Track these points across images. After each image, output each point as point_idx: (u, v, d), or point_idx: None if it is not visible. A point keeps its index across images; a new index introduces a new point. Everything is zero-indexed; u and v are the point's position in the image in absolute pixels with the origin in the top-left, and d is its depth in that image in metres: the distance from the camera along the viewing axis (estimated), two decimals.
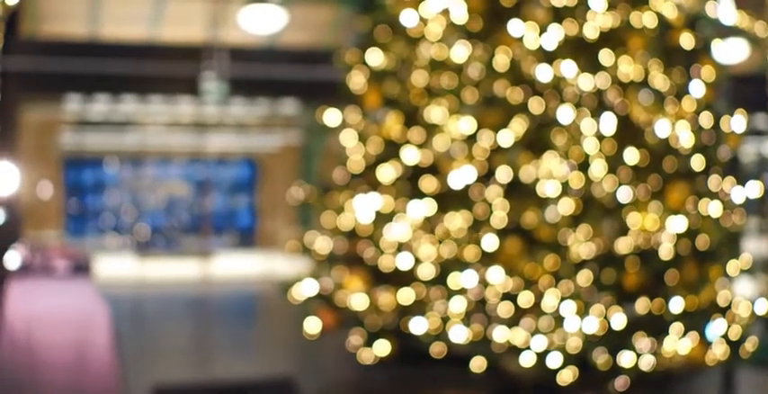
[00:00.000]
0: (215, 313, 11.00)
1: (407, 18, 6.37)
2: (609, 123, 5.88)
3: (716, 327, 6.03)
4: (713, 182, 6.23)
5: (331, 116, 6.61)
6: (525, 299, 5.71)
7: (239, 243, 20.04)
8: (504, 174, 5.86)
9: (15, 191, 10.29)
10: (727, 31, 11.99)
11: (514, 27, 5.91)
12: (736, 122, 6.47)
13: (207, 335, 9.21)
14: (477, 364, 5.74)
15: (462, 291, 5.83)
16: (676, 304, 5.87)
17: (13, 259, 5.90)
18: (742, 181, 6.38)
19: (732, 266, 6.26)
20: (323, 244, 6.47)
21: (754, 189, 6.37)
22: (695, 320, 5.94)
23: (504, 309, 5.73)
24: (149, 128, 18.24)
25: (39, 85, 14.26)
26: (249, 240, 20.00)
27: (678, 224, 5.92)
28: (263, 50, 14.43)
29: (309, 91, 14.37)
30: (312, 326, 6.39)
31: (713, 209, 6.14)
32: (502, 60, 5.92)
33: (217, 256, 16.78)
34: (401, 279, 6.11)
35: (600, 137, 5.87)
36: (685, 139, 6.10)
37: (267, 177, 19.64)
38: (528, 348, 5.57)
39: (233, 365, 7.27)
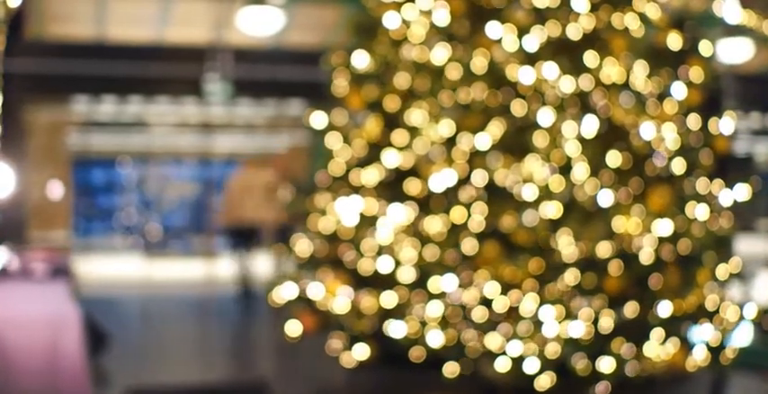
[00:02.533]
0: (215, 314, 11.00)
1: (390, 20, 6.33)
2: (591, 126, 5.83)
3: (701, 332, 5.96)
4: (701, 184, 6.16)
5: (317, 118, 6.58)
6: (503, 303, 5.66)
7: None
8: (482, 177, 5.82)
9: (12, 193, 10.31)
10: (733, 30, 11.91)
11: (493, 29, 5.87)
12: (726, 124, 6.39)
13: (203, 336, 9.22)
14: (451, 369, 5.70)
15: (442, 295, 5.79)
16: (661, 309, 5.81)
17: None
18: (732, 183, 6.29)
19: (721, 270, 6.18)
20: (303, 246, 6.45)
21: (743, 192, 6.29)
22: (678, 325, 5.88)
23: (480, 314, 5.69)
24: (156, 128, 18.30)
25: (46, 86, 14.35)
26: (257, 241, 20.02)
27: (661, 227, 5.85)
28: (270, 51, 14.45)
29: (316, 91, 14.38)
30: (293, 329, 6.37)
31: (700, 212, 6.07)
32: (481, 63, 5.87)
33: (224, 256, 16.77)
34: (382, 282, 6.08)
35: (582, 139, 5.81)
36: (670, 142, 6.03)
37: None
38: (504, 353, 5.52)
39: (222, 367, 7.26)
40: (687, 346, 5.90)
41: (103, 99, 15.65)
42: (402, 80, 6.30)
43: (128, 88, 14.91)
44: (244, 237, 11.45)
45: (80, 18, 13.91)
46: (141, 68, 14.07)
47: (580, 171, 5.77)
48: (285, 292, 6.36)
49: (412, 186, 6.14)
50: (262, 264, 11.35)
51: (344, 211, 6.28)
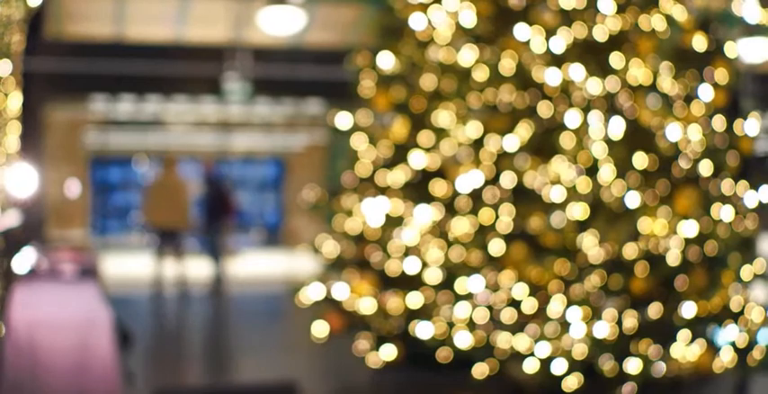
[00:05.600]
0: (233, 313, 11.03)
1: (416, 21, 6.35)
2: (618, 127, 5.84)
3: (726, 333, 5.97)
4: (726, 186, 6.16)
5: (342, 118, 6.59)
6: (531, 304, 5.68)
7: (266, 241, 20.16)
8: (509, 178, 5.83)
9: (34, 193, 10.35)
10: (752, 30, 11.86)
11: (521, 31, 5.88)
12: (750, 125, 6.38)
13: (221, 335, 9.25)
14: (480, 370, 5.72)
15: (468, 296, 5.81)
16: (686, 310, 5.81)
17: (24, 262, 5.95)
18: (756, 184, 6.28)
19: (745, 271, 6.18)
20: (331, 247, 6.47)
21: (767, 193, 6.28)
22: (704, 326, 5.88)
23: (508, 315, 5.70)
24: (174, 127, 18.35)
25: (65, 85, 14.39)
26: (275, 238, 20.12)
27: (687, 229, 5.86)
28: (288, 50, 14.47)
29: (334, 90, 14.41)
30: (320, 329, 6.40)
31: (725, 213, 6.07)
32: (508, 64, 5.88)
33: (243, 255, 16.81)
34: (409, 283, 6.10)
35: (608, 141, 5.82)
36: (696, 143, 6.03)
37: (293, 176, 19.73)
38: (532, 354, 5.54)
39: (244, 367, 7.29)
40: (713, 348, 5.90)
41: (122, 98, 15.71)
42: (428, 81, 6.32)
43: (146, 87, 14.96)
44: (166, 239, 11.48)
45: (99, 17, 13.95)
46: (159, 67, 14.10)
47: (606, 172, 5.78)
48: (312, 293, 6.39)
49: (438, 187, 6.15)
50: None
51: (371, 212, 6.30)
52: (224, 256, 12.16)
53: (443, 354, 5.93)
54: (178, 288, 11.41)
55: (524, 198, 5.86)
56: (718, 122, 6.21)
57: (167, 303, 11.08)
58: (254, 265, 15.96)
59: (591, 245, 5.72)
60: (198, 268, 12.31)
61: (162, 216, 11.29)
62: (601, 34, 5.98)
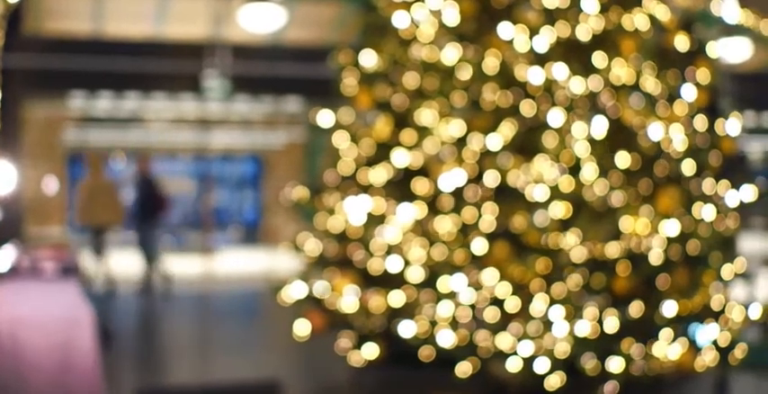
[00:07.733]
0: (213, 311, 10.99)
1: (399, 19, 6.34)
2: (600, 126, 5.85)
3: (707, 332, 6.00)
4: (707, 185, 6.19)
5: (324, 116, 6.58)
6: (513, 303, 5.68)
7: (243, 239, 20.12)
8: (492, 177, 5.83)
9: (13, 190, 10.30)
10: (731, 30, 11.94)
11: (504, 29, 5.88)
12: (732, 125, 6.42)
13: (202, 334, 9.21)
14: (463, 369, 5.72)
15: (451, 295, 5.81)
16: (668, 309, 5.84)
17: (4, 260, 5.90)
18: (737, 184, 6.32)
19: (726, 270, 6.22)
20: (313, 246, 6.45)
21: (749, 192, 6.32)
22: (686, 325, 5.91)
23: (491, 314, 5.71)
24: (153, 124, 18.28)
25: (43, 82, 14.30)
26: (253, 236, 20.08)
27: (669, 228, 5.88)
28: (267, 47, 14.44)
29: (313, 88, 14.38)
30: (302, 328, 6.38)
31: (706, 213, 6.10)
32: (491, 63, 5.89)
33: (220, 252, 16.78)
34: (391, 282, 6.10)
35: (591, 140, 5.83)
36: (678, 143, 6.06)
37: (272, 174, 19.69)
38: (515, 353, 5.55)
39: (226, 366, 7.26)
40: (695, 347, 5.93)
41: (100, 95, 15.62)
42: (411, 80, 6.31)
43: (125, 84, 14.89)
44: (98, 236, 11.65)
45: (78, 14, 13.88)
46: (138, 64, 14.04)
47: (589, 171, 5.79)
48: (294, 291, 6.38)
49: (421, 186, 6.15)
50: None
51: (353, 211, 6.29)
52: (158, 254, 12.15)
53: (426, 353, 5.93)
54: (106, 285, 11.48)
55: (507, 197, 5.86)
56: (700, 122, 6.24)
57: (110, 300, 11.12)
58: (231, 263, 15.91)
59: (573, 244, 5.73)
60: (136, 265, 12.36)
61: (92, 215, 11.55)
62: (584, 33, 5.99)
